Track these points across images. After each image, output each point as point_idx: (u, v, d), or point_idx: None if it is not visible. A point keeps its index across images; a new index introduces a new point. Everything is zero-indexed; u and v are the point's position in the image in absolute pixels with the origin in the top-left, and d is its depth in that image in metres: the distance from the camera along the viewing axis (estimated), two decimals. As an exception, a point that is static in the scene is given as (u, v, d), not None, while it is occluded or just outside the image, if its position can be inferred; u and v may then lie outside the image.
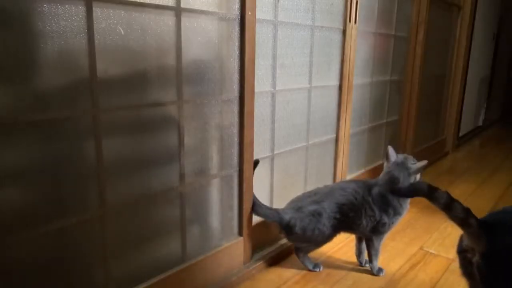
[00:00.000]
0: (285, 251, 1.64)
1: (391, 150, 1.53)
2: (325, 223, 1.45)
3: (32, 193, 0.92)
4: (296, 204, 1.50)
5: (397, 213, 1.47)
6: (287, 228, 1.46)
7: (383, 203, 1.46)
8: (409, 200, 1.50)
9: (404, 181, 1.45)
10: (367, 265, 1.57)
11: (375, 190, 1.47)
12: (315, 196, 1.50)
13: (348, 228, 1.52)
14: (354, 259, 1.64)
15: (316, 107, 1.84)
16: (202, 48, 1.24)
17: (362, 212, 1.45)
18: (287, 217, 1.45)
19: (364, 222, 1.46)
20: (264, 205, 1.50)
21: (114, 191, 1.07)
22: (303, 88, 1.75)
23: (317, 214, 1.44)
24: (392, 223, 1.48)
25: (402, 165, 1.47)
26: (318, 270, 1.55)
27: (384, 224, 1.47)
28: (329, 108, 1.95)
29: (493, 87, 4.86)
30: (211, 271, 1.38)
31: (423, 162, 1.46)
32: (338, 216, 1.46)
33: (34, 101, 0.89)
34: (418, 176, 1.48)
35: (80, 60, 0.95)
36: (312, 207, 1.46)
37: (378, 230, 1.48)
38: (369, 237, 1.51)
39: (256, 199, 1.49)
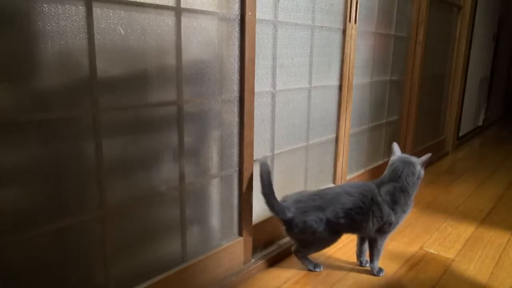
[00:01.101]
0: (285, 251, 1.64)
1: (395, 146, 1.57)
2: (328, 230, 1.43)
3: (32, 193, 0.92)
4: (301, 205, 1.46)
5: (403, 211, 1.48)
6: (288, 225, 1.45)
7: (392, 202, 1.45)
8: (413, 197, 1.50)
9: (408, 175, 1.46)
10: (367, 265, 1.57)
11: (384, 189, 1.47)
12: (320, 200, 1.46)
13: (353, 230, 1.52)
14: (354, 259, 1.64)
15: (316, 107, 1.84)
16: (202, 48, 1.24)
17: (370, 215, 1.44)
18: (290, 214, 1.43)
19: (370, 224, 1.45)
20: (278, 202, 1.44)
21: (114, 191, 1.07)
22: (303, 88, 1.75)
23: (319, 220, 1.42)
24: (397, 222, 1.48)
25: (405, 159, 1.50)
26: (318, 270, 1.55)
27: (391, 224, 1.46)
28: (329, 108, 1.95)
29: (493, 87, 4.86)
30: (211, 271, 1.38)
31: (428, 155, 1.49)
32: (343, 221, 1.43)
33: (34, 101, 0.89)
34: (422, 172, 1.50)
35: (80, 60, 0.95)
36: (317, 214, 1.43)
37: (383, 230, 1.48)
38: (374, 237, 1.51)
39: (273, 191, 1.43)
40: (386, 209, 1.44)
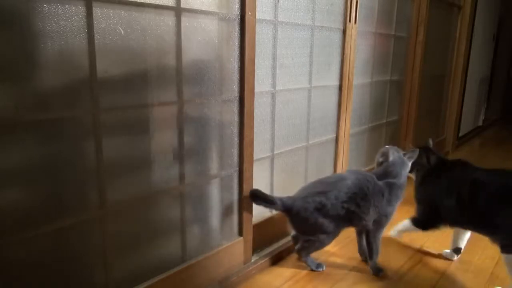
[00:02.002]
0: (285, 251, 1.64)
1: (388, 148, 1.64)
2: (331, 216, 1.44)
3: (33, 193, 0.92)
4: (302, 193, 1.49)
5: (396, 202, 1.53)
6: (290, 212, 1.45)
7: (389, 193, 1.50)
8: (403, 192, 1.56)
9: (403, 171, 1.57)
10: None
11: (383, 181, 1.51)
12: (322, 185, 1.48)
13: (353, 221, 1.50)
14: (354, 259, 1.64)
15: (316, 107, 1.84)
16: (202, 48, 1.24)
17: (371, 202, 1.46)
18: (289, 202, 1.45)
19: (371, 212, 1.47)
20: (265, 196, 1.46)
21: (114, 191, 1.07)
22: (303, 88, 1.75)
23: (322, 206, 1.43)
24: (391, 214, 1.53)
25: (400, 159, 1.59)
26: (321, 269, 1.55)
27: (386, 215, 1.51)
28: (329, 108, 1.95)
29: (493, 87, 4.86)
30: (211, 271, 1.38)
31: (415, 151, 1.60)
32: (346, 205, 1.43)
33: (35, 101, 0.89)
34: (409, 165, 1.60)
35: (80, 60, 0.95)
36: (318, 198, 1.43)
37: (380, 223, 1.51)
38: (371, 231, 1.52)
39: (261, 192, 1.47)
40: (383, 200, 1.48)
